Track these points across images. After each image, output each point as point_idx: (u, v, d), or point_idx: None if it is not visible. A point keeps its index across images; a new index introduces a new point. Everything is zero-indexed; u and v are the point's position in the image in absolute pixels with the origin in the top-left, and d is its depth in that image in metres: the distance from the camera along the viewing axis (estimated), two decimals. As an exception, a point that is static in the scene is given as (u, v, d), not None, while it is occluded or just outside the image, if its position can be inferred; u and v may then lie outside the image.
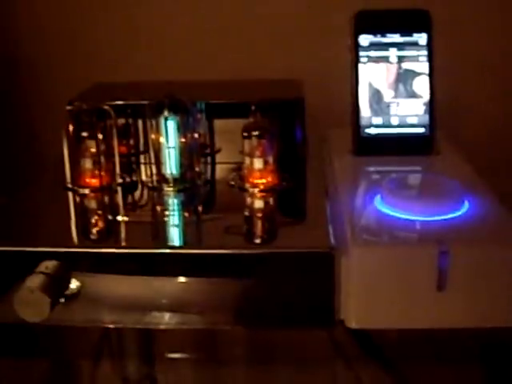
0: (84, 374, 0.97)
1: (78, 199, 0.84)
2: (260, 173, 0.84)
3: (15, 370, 0.89)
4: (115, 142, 0.85)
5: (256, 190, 0.83)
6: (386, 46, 0.91)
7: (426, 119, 0.91)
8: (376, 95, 0.91)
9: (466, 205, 0.73)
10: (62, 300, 0.69)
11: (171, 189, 0.84)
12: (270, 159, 0.84)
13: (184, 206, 0.82)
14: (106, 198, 0.85)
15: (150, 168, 0.88)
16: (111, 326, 0.74)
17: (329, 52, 1.16)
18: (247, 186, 0.84)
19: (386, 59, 0.91)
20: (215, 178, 0.93)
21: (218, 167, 0.95)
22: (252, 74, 1.13)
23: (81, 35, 1.22)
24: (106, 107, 0.85)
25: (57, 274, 0.67)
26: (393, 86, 0.91)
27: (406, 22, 0.92)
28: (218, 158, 0.95)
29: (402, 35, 0.91)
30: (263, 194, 0.83)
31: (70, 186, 0.85)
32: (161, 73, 1.17)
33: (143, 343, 0.97)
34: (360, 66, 0.91)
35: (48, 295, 0.64)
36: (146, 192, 0.87)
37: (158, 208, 0.84)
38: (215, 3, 1.19)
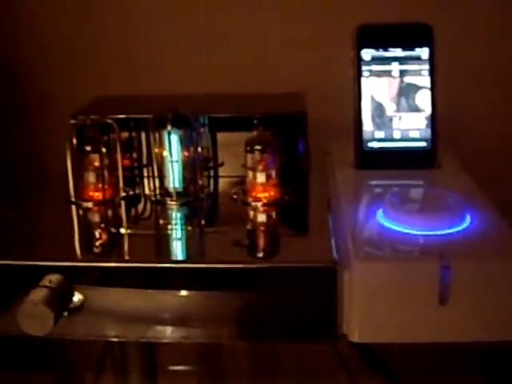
0: (86, 386, 0.98)
1: (81, 213, 0.84)
2: (263, 187, 0.84)
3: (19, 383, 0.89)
4: (118, 156, 0.86)
5: (259, 204, 0.83)
6: (388, 60, 0.92)
7: (427, 133, 0.91)
8: (378, 109, 0.92)
9: (468, 219, 0.73)
10: (66, 313, 0.69)
11: (174, 202, 0.85)
12: (273, 173, 0.84)
13: (187, 220, 0.82)
14: (110, 212, 0.85)
15: (153, 182, 0.88)
16: (114, 339, 0.74)
17: (331, 65, 1.16)
18: (250, 199, 0.84)
19: (388, 73, 0.92)
20: (218, 191, 0.93)
21: (221, 181, 0.95)
22: (255, 87, 1.13)
23: (84, 50, 1.23)
24: (110, 121, 0.85)
25: (60, 287, 0.67)
26: (395, 99, 0.92)
27: (408, 37, 0.92)
28: (221, 171, 0.95)
29: (404, 49, 0.92)
30: (266, 207, 0.83)
31: (73, 199, 0.85)
32: (164, 86, 1.17)
33: (146, 356, 0.97)
34: (362, 79, 0.92)
35: (51, 309, 0.64)
36: (149, 205, 0.88)
37: (161, 221, 0.84)
38: (218, 17, 1.19)
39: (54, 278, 0.68)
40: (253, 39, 1.19)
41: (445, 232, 0.71)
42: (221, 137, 0.95)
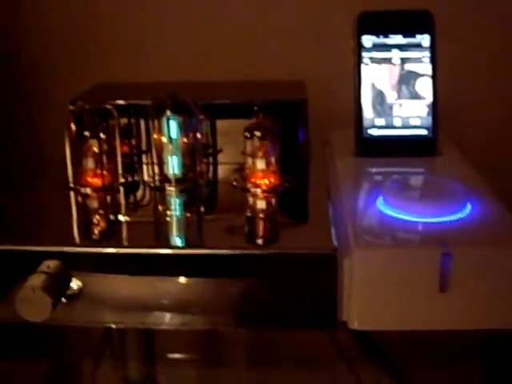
0: (85, 374, 0.98)
1: (80, 199, 0.84)
2: (262, 173, 0.84)
3: (16, 371, 0.89)
4: (117, 142, 0.85)
5: (258, 191, 0.83)
6: (388, 48, 0.91)
7: (428, 121, 0.91)
8: (379, 96, 0.91)
9: (469, 207, 0.73)
10: (64, 300, 0.69)
11: (173, 189, 0.84)
12: (272, 160, 0.84)
13: (186, 207, 0.82)
14: (108, 198, 0.85)
15: (153, 168, 0.87)
16: (112, 326, 0.74)
17: (332, 53, 1.16)
18: (249, 186, 0.84)
19: (388, 60, 0.91)
20: (217, 178, 0.93)
21: (221, 167, 0.94)
22: (255, 74, 1.13)
23: (83, 35, 1.22)
24: (109, 107, 0.85)
25: (58, 273, 0.67)
26: (396, 87, 0.91)
27: (409, 24, 0.92)
28: (221, 158, 0.95)
29: (404, 36, 0.91)
30: (265, 194, 0.83)
31: (72, 185, 0.85)
32: (163, 73, 1.17)
33: (144, 344, 0.97)
34: (363, 67, 0.92)
35: (49, 295, 0.64)
36: (148, 192, 0.87)
37: (160, 208, 0.84)
38: (218, 5, 1.19)
39: (52, 264, 0.67)
40: (253, 26, 1.19)
41: (445, 219, 0.71)
42: (220, 124, 0.95)
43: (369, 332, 0.83)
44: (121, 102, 0.93)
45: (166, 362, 0.98)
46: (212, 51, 1.20)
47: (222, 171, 0.94)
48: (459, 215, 0.72)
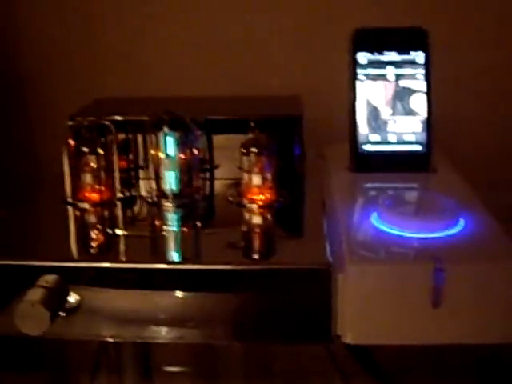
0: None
1: (77, 213, 0.84)
2: (258, 189, 0.84)
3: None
4: (115, 157, 0.86)
5: (254, 206, 0.84)
6: (383, 64, 0.92)
7: (423, 137, 0.92)
8: (373, 112, 0.92)
9: (462, 222, 0.74)
10: (62, 313, 0.69)
11: (170, 204, 0.85)
12: (268, 176, 0.84)
13: (183, 222, 0.83)
14: (106, 213, 0.85)
15: (150, 183, 0.88)
16: (110, 339, 0.74)
17: (327, 69, 1.17)
18: (245, 201, 0.84)
19: (383, 77, 0.92)
20: (214, 193, 0.94)
21: (217, 183, 0.95)
22: (251, 90, 1.14)
23: (82, 50, 1.23)
24: (107, 122, 0.86)
25: (56, 287, 0.68)
26: (390, 103, 0.92)
27: (404, 41, 0.93)
28: (217, 173, 0.96)
29: (399, 53, 0.92)
30: (261, 209, 0.84)
31: (70, 200, 0.86)
32: (161, 88, 1.17)
33: (141, 357, 0.97)
34: (358, 83, 0.92)
35: (48, 309, 0.65)
36: (145, 207, 0.88)
37: (157, 223, 0.84)
38: (214, 19, 1.20)
39: (50, 279, 0.68)
40: (250, 42, 1.19)
41: (439, 235, 0.71)
42: (217, 139, 0.96)
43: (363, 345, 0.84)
44: (118, 117, 0.93)
45: (162, 374, 0.98)
46: (208, 67, 1.21)
47: (219, 186, 0.95)
48: (452, 231, 0.72)
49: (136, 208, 0.88)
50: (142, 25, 1.21)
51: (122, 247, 0.77)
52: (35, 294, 0.65)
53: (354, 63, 0.92)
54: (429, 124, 0.92)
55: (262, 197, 0.84)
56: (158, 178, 0.86)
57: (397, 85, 0.92)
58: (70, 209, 0.85)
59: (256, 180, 0.84)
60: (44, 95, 1.25)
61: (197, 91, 1.11)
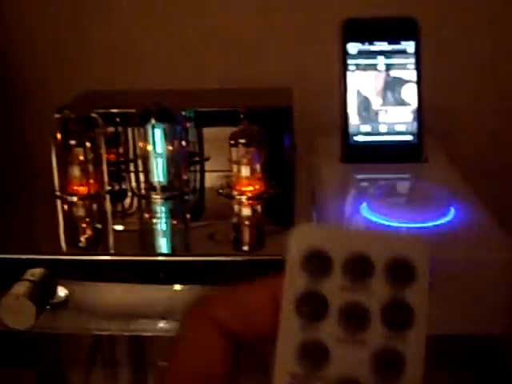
0: (76, 382, 0.97)
1: (66, 207, 0.84)
2: (247, 180, 0.84)
3: (6, 379, 0.89)
4: (103, 150, 0.86)
5: (243, 198, 0.83)
6: (374, 54, 0.92)
7: (414, 127, 0.91)
8: (364, 103, 0.92)
9: (453, 212, 0.73)
10: (48, 307, 0.69)
11: (159, 197, 0.85)
12: (257, 167, 0.84)
13: (172, 214, 0.82)
14: (95, 206, 0.85)
15: (138, 176, 0.88)
16: (99, 333, 0.74)
17: (318, 60, 1.16)
18: (235, 193, 0.84)
19: (374, 67, 0.92)
20: (204, 185, 0.93)
21: (207, 175, 0.95)
22: (241, 82, 1.13)
23: (71, 44, 1.22)
24: (95, 115, 0.85)
25: (43, 281, 0.67)
26: (381, 93, 0.92)
27: (394, 30, 0.92)
28: (208, 166, 0.95)
29: (390, 43, 0.92)
30: (251, 201, 0.83)
31: (58, 193, 0.85)
32: (150, 81, 1.17)
33: (135, 351, 0.97)
34: (348, 73, 0.92)
35: (33, 302, 0.64)
36: (134, 200, 0.88)
37: (146, 216, 0.84)
38: (204, 12, 1.19)
39: (36, 272, 0.68)
40: (240, 34, 1.19)
41: (429, 225, 0.71)
42: (208, 132, 0.95)
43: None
44: (106, 110, 0.93)
45: (157, 369, 0.98)
46: (198, 59, 1.20)
47: (210, 179, 0.94)
48: (442, 220, 0.72)
49: (126, 201, 0.88)
50: (131, 18, 1.21)
51: (111, 240, 0.77)
52: (20, 288, 0.65)
53: (345, 53, 0.92)
54: (420, 114, 0.91)
55: (251, 188, 0.84)
56: (147, 171, 0.85)
57: (387, 75, 0.92)
58: (58, 202, 0.85)
59: (245, 171, 0.84)
60: (31, 89, 1.25)
61: (187, 84, 1.11)
